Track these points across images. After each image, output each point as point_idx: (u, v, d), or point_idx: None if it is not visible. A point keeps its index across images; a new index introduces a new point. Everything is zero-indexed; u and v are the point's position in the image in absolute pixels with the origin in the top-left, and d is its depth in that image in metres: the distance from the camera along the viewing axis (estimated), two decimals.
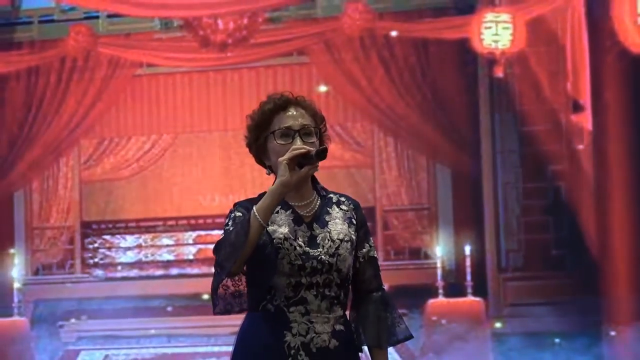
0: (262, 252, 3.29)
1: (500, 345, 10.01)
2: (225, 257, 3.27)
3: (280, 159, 3.22)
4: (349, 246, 3.32)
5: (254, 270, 3.34)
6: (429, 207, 10.96)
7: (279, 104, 3.37)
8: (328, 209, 3.37)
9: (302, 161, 3.23)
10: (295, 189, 3.31)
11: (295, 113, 3.35)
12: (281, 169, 3.21)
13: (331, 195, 3.43)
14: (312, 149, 3.26)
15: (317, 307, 3.28)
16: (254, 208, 3.23)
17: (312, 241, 3.31)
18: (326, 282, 3.29)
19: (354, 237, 3.35)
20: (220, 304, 3.36)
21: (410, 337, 3.42)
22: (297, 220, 3.34)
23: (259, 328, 3.31)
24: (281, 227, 3.31)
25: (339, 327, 3.31)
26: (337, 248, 3.30)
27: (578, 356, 9.52)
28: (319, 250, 3.29)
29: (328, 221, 3.35)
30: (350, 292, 3.41)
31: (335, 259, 3.29)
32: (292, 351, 3.26)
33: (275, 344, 3.27)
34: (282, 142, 3.31)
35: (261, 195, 3.33)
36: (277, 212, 3.32)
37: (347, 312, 3.42)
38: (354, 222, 3.38)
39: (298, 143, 3.29)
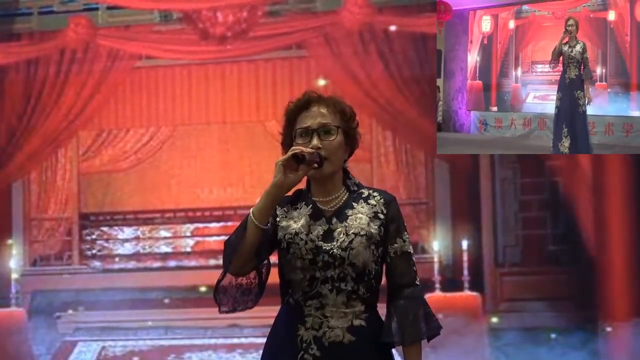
0: (279, 249, 3.35)
1: (497, 340, 10.02)
2: (225, 257, 3.30)
3: (277, 160, 3.24)
4: (364, 240, 3.30)
5: (279, 265, 3.38)
6: (427, 201, 10.98)
7: (301, 104, 3.38)
8: (354, 203, 3.36)
9: (300, 162, 3.24)
10: (321, 184, 3.36)
11: (315, 112, 3.36)
12: (275, 170, 3.23)
13: (363, 190, 3.42)
14: (309, 150, 3.26)
15: (334, 302, 3.28)
16: (251, 210, 3.26)
17: (328, 235, 3.31)
18: (341, 277, 3.28)
19: (373, 232, 3.32)
20: (229, 303, 3.35)
21: (435, 335, 3.37)
22: (316, 215, 3.35)
23: (281, 321, 3.36)
24: (295, 223, 3.34)
25: (358, 322, 3.29)
26: (350, 242, 3.29)
27: (574, 352, 9.53)
28: (332, 244, 3.29)
29: (349, 215, 3.34)
30: (377, 288, 3.37)
31: (347, 252, 3.28)
32: (304, 345, 3.27)
33: (290, 338, 3.29)
34: (301, 142, 3.33)
35: (296, 193, 3.39)
36: (299, 208, 3.37)
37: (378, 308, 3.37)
38: (381, 217, 3.36)
39: (314, 142, 3.31)
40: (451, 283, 10.36)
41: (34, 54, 11.17)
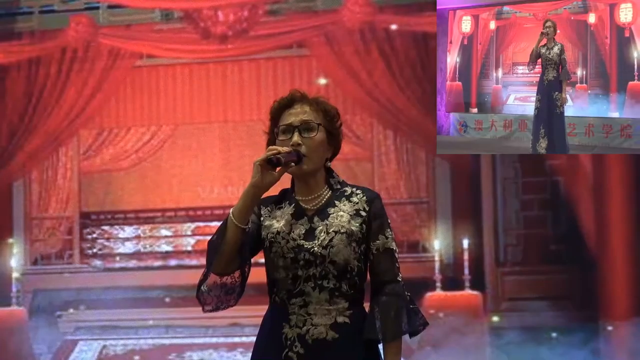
0: (263, 248, 3.39)
1: (498, 339, 10.02)
2: (207, 257, 3.34)
3: (255, 160, 3.27)
4: (344, 238, 3.31)
5: (265, 264, 3.41)
6: (428, 200, 10.97)
7: (285, 102, 3.41)
8: (336, 201, 3.38)
9: (276, 165, 3.26)
10: (303, 183, 3.38)
11: (297, 110, 3.39)
12: (253, 170, 3.25)
13: (347, 188, 3.43)
14: (286, 149, 3.29)
15: (317, 299, 3.30)
16: (231, 210, 3.29)
17: (309, 234, 3.33)
18: (322, 274, 3.30)
19: (354, 229, 3.33)
20: (213, 302, 3.37)
21: (417, 331, 3.38)
22: (298, 214, 3.37)
23: (267, 320, 3.39)
24: (278, 222, 3.37)
25: (341, 319, 3.31)
26: (330, 240, 3.31)
27: (575, 351, 9.52)
28: (313, 242, 3.32)
29: (330, 214, 3.35)
30: (361, 285, 3.39)
31: (327, 250, 3.30)
32: (288, 342, 3.30)
33: (275, 336, 3.32)
34: (282, 138, 3.36)
35: (281, 193, 3.43)
36: (282, 207, 3.39)
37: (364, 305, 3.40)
38: (363, 214, 3.37)
39: (295, 138, 3.33)
40: (452, 282, 10.36)
41: (35, 53, 11.18)
